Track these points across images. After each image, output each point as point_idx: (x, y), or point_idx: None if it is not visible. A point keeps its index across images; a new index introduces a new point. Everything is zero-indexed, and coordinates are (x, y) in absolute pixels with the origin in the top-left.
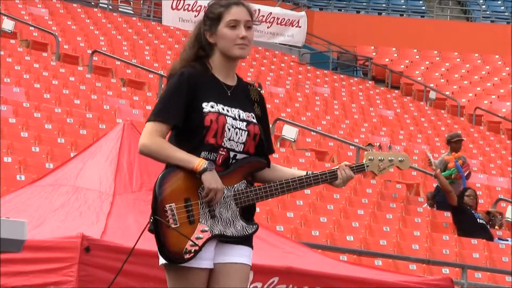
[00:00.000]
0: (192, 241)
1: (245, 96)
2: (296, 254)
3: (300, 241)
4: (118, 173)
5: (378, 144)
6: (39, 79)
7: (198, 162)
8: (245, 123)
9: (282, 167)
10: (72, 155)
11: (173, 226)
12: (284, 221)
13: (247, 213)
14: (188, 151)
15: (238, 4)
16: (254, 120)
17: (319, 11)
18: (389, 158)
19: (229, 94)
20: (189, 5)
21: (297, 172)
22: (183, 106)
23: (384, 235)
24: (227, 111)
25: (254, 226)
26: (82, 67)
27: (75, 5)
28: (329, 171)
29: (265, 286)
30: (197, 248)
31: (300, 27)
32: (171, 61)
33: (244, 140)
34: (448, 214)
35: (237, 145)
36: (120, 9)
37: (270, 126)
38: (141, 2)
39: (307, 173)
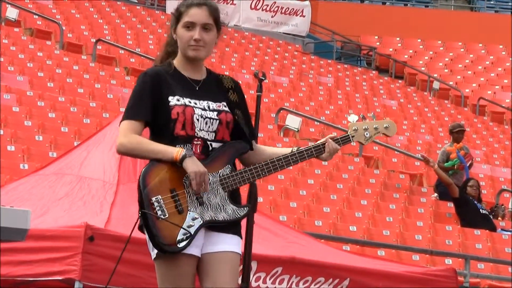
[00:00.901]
0: (184, 229)
1: (217, 86)
2: (299, 244)
3: (304, 231)
4: (122, 163)
5: (361, 115)
6: (42, 68)
7: (176, 152)
8: (215, 113)
9: (267, 148)
10: (75, 144)
11: (162, 217)
12: (288, 211)
13: (236, 197)
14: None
15: (200, 6)
16: (226, 109)
17: (323, 0)
18: (374, 126)
19: (197, 89)
20: None
21: (282, 150)
22: (150, 102)
23: (387, 225)
24: (195, 103)
25: (245, 208)
26: (86, 56)
27: None
28: (313, 145)
29: (269, 276)
30: (189, 235)
31: (304, 16)
32: None
33: (215, 129)
34: (451, 204)
35: (208, 134)
36: None
37: (274, 115)
38: None
39: (292, 150)
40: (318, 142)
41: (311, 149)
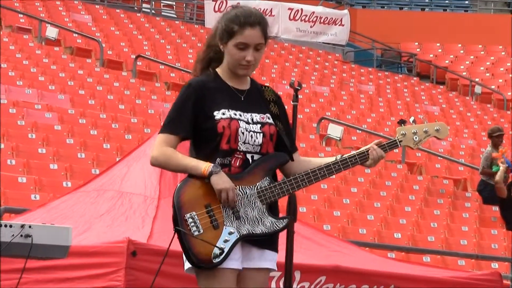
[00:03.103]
0: (217, 247)
1: (260, 97)
2: (342, 252)
3: (348, 239)
4: (163, 177)
5: (412, 118)
6: (83, 86)
7: (204, 167)
8: (259, 125)
9: (310, 158)
10: (117, 160)
11: (195, 234)
12: (331, 220)
13: (275, 209)
14: (204, 158)
15: (253, 26)
16: (270, 121)
17: (362, 8)
18: (424, 130)
19: (242, 99)
20: (231, 7)
21: (325, 160)
22: (190, 117)
23: (432, 231)
24: (240, 115)
25: (284, 221)
26: (126, 72)
27: (118, 10)
28: (357, 153)
29: (313, 285)
30: (223, 251)
31: (343, 25)
32: None
33: (260, 142)
34: (496, 208)
35: (254, 147)
36: (163, 13)
37: (315, 125)
38: (184, 5)
39: (336, 158)
40: (363, 148)
41: (355, 156)
